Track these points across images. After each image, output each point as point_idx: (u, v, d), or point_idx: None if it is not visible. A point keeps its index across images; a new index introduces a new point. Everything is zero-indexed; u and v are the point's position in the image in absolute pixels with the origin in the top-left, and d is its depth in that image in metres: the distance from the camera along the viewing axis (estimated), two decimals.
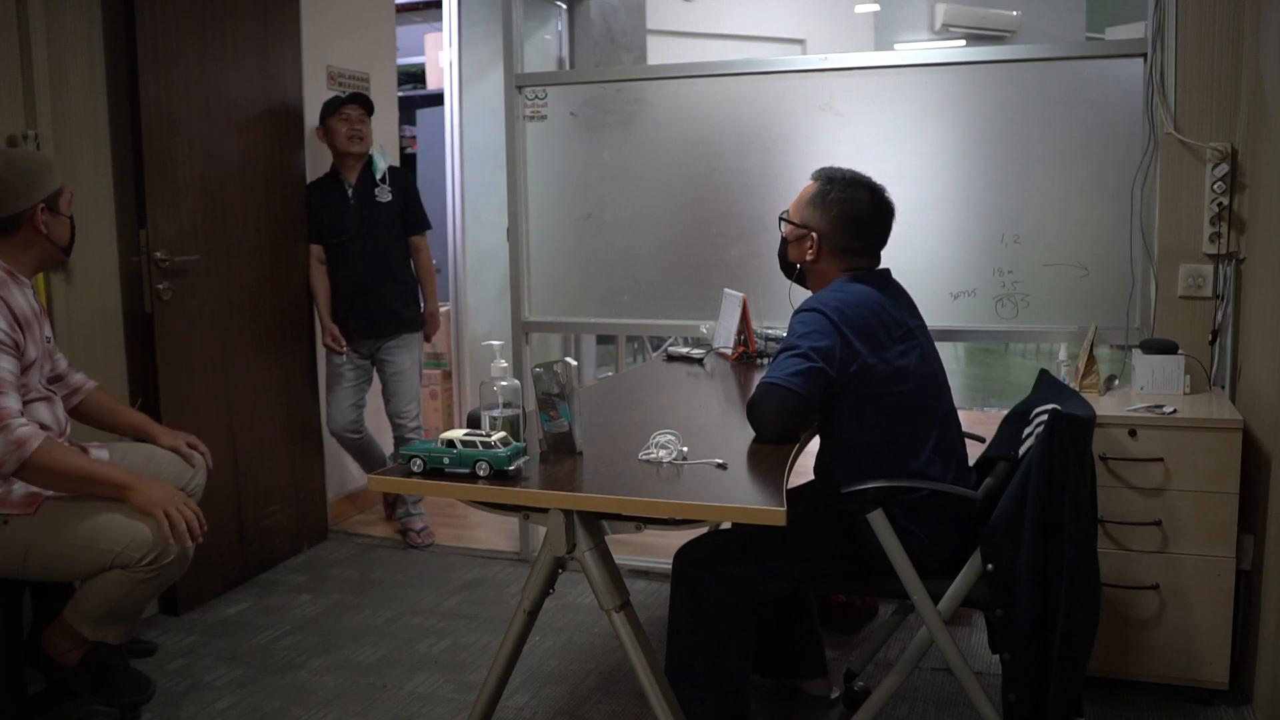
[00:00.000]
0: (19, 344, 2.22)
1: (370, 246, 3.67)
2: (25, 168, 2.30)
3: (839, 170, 2.25)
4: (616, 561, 1.91)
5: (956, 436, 2.21)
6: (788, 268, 2.31)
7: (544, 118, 3.41)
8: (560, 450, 1.92)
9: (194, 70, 3.18)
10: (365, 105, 3.63)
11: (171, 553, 2.21)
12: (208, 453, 2.65)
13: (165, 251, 3.07)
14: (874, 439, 2.10)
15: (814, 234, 2.20)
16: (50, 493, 2.23)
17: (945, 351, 2.33)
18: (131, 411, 2.67)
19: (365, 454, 3.85)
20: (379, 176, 3.67)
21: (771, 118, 3.18)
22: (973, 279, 3.03)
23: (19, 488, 2.21)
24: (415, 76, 5.96)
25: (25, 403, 2.25)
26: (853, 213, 2.19)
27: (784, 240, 2.30)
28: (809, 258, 2.22)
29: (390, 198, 3.68)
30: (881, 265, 2.26)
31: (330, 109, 3.60)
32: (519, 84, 3.40)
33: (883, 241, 2.24)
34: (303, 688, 2.69)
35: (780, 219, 2.30)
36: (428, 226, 3.83)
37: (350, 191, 3.67)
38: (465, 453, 1.78)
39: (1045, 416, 1.90)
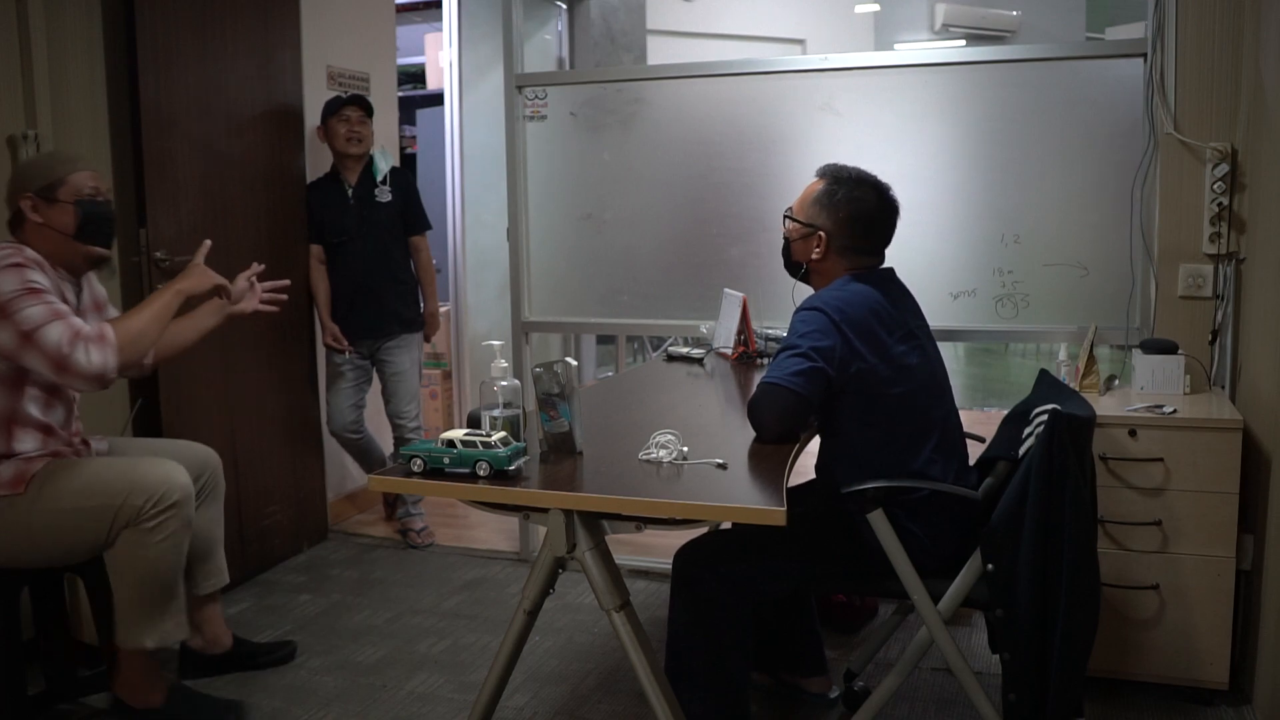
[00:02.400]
0: (57, 292, 2.23)
1: (370, 247, 3.67)
2: (28, 165, 2.34)
3: (845, 168, 2.24)
4: (616, 561, 1.91)
5: (958, 437, 2.21)
6: (793, 266, 2.30)
7: (544, 118, 3.41)
8: (560, 450, 1.92)
9: (194, 70, 3.19)
10: (365, 107, 3.63)
11: (174, 493, 2.20)
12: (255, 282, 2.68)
13: (165, 251, 3.08)
14: (874, 439, 2.10)
15: (821, 233, 2.19)
16: (38, 469, 2.22)
17: (945, 351, 2.33)
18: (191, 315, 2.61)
19: (365, 454, 3.85)
20: (380, 178, 3.67)
21: (771, 118, 3.18)
22: (973, 279, 3.03)
23: (5, 468, 2.21)
24: (415, 76, 5.96)
25: (42, 395, 2.26)
26: (860, 212, 2.19)
27: (787, 239, 2.29)
28: (815, 256, 2.21)
29: (390, 198, 3.68)
30: (885, 264, 2.26)
31: (330, 110, 3.61)
32: (519, 84, 3.40)
33: (887, 240, 2.24)
34: (303, 688, 2.69)
35: (785, 216, 2.29)
36: (428, 227, 3.83)
37: (350, 192, 3.67)
38: (465, 453, 1.78)
39: (1045, 416, 1.90)
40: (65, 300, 2.30)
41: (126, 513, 2.18)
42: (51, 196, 2.31)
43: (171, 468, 2.27)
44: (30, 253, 2.24)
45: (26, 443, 2.26)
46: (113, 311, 2.54)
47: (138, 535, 2.20)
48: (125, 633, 2.27)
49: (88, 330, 2.15)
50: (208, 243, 2.52)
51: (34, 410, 2.27)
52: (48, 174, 2.32)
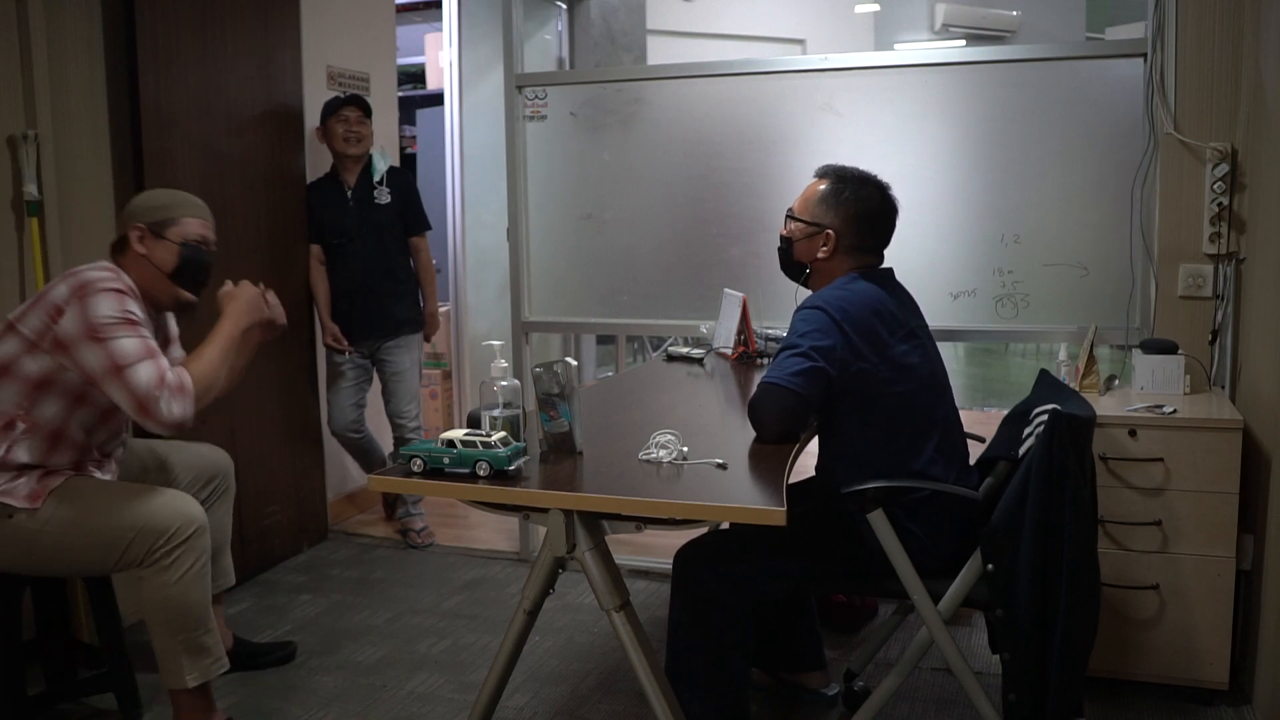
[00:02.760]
0: (148, 322, 2.26)
1: (370, 248, 3.66)
2: (149, 197, 2.41)
3: (846, 168, 2.25)
4: (616, 561, 1.91)
5: (958, 437, 2.21)
6: (795, 268, 2.29)
7: (544, 118, 3.41)
8: (560, 450, 1.92)
9: (194, 70, 3.19)
10: (363, 107, 3.63)
11: (186, 529, 2.20)
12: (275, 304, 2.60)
13: None
14: (875, 438, 2.10)
15: (830, 231, 2.19)
16: (56, 485, 2.22)
17: (945, 351, 2.34)
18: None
19: (365, 454, 3.85)
20: (377, 179, 3.67)
21: (771, 118, 3.18)
22: (973, 279, 3.03)
23: (24, 482, 2.21)
24: (415, 76, 5.96)
25: (95, 417, 2.28)
26: (867, 210, 2.20)
27: (788, 240, 2.27)
28: (822, 255, 2.21)
29: (389, 199, 3.68)
30: (884, 265, 2.26)
31: (329, 110, 3.61)
32: (519, 84, 3.40)
33: (889, 240, 2.25)
34: (303, 688, 2.70)
35: (788, 217, 2.29)
36: (427, 227, 3.82)
37: (349, 193, 3.67)
38: (465, 453, 1.78)
39: (1045, 416, 1.90)
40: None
41: (133, 553, 2.18)
42: (160, 233, 2.34)
43: (182, 501, 2.26)
44: (128, 279, 2.26)
45: (62, 456, 2.27)
46: (178, 351, 2.54)
47: (157, 576, 2.19)
48: (167, 675, 2.27)
49: (172, 379, 2.16)
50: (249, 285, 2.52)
51: (79, 431, 2.27)
52: (164, 211, 2.36)
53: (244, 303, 2.41)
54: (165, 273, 2.35)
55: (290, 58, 3.64)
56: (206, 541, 2.26)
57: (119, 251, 2.35)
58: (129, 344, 2.14)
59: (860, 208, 2.19)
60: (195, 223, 2.40)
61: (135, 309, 2.20)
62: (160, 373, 2.15)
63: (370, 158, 3.69)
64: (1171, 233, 2.81)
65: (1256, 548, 2.48)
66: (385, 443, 3.96)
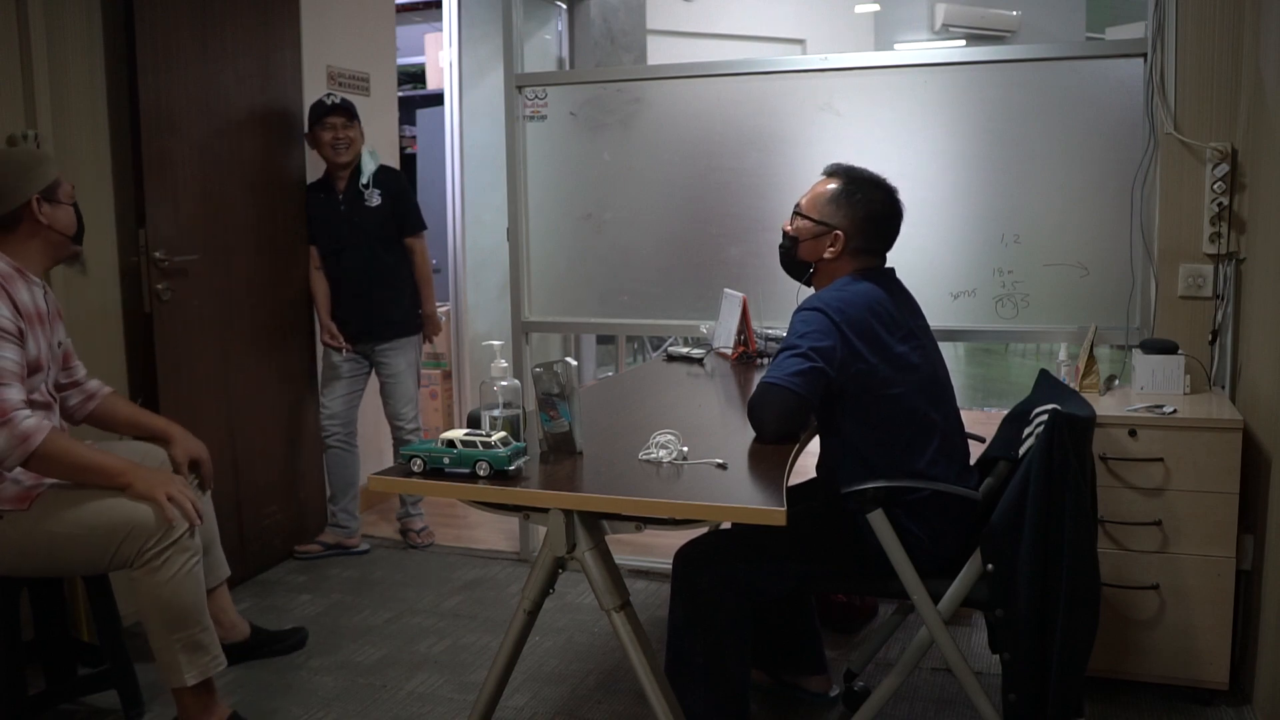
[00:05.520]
0: (22, 332, 2.21)
1: (362, 253, 3.63)
2: (20, 163, 2.32)
3: (856, 169, 2.24)
4: (616, 561, 1.91)
5: (959, 437, 2.21)
6: (799, 266, 2.27)
7: (544, 118, 3.41)
8: (560, 450, 1.92)
9: (194, 70, 3.19)
10: (348, 112, 3.56)
11: (177, 529, 2.19)
12: (208, 476, 2.60)
13: (164, 251, 3.07)
14: (875, 438, 2.10)
15: (838, 232, 2.19)
16: (46, 485, 2.22)
17: (945, 351, 2.34)
18: (153, 415, 2.63)
19: (340, 470, 3.76)
20: (364, 181, 3.60)
21: (771, 118, 3.18)
22: (973, 279, 3.03)
23: (11, 483, 2.21)
24: (415, 76, 5.95)
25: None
26: (875, 212, 2.19)
27: (792, 239, 2.26)
28: (828, 256, 2.20)
29: (379, 201, 3.62)
30: (886, 265, 2.26)
31: (314, 117, 3.56)
32: (519, 84, 3.40)
33: (893, 241, 2.25)
34: (303, 688, 2.69)
35: (795, 213, 2.27)
36: (422, 227, 3.76)
37: (341, 197, 3.64)
38: (465, 453, 1.78)
39: (1045, 416, 1.90)
40: (35, 307, 2.27)
41: (124, 552, 2.18)
42: (53, 198, 2.31)
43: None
44: (7, 262, 2.23)
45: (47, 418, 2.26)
46: (80, 368, 2.51)
47: (149, 576, 2.18)
48: (166, 674, 2.26)
49: (17, 418, 2.10)
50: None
51: (36, 393, 2.26)
52: (45, 174, 2.30)
53: (158, 478, 2.25)
54: (69, 235, 2.34)
55: (290, 58, 3.64)
56: (197, 541, 2.26)
57: (8, 228, 2.27)
58: None
59: (870, 210, 2.18)
60: (63, 176, 2.36)
61: (5, 312, 2.16)
62: (10, 406, 2.10)
63: (360, 162, 3.64)
64: (1171, 233, 2.81)
65: (1256, 548, 2.48)
66: (384, 443, 3.94)
